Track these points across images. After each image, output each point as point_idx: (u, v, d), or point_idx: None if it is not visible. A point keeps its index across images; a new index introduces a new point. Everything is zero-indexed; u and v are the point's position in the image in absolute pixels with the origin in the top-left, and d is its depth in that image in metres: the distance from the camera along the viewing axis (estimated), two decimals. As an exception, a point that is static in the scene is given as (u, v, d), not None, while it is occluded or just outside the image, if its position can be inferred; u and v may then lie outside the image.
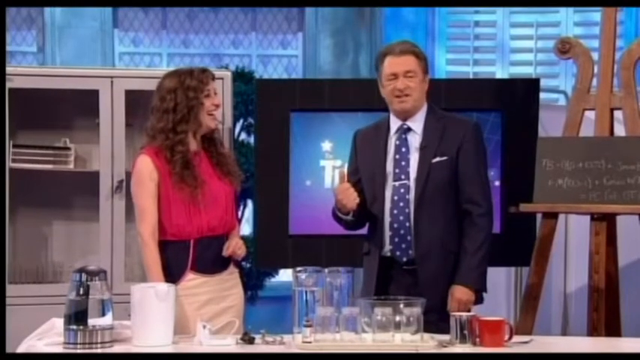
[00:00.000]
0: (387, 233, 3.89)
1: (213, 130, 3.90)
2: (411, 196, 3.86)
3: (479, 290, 3.85)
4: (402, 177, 3.88)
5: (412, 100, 3.87)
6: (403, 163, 3.89)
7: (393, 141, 3.93)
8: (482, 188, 3.89)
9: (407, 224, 3.85)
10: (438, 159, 3.86)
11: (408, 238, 3.85)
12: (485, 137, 4.15)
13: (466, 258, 3.81)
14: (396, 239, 3.87)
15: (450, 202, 3.86)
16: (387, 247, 3.89)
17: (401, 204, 3.87)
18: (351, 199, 3.83)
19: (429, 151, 3.87)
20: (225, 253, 3.83)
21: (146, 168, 3.77)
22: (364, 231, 4.03)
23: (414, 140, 3.91)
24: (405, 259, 3.86)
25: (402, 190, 3.88)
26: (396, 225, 3.87)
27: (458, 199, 3.87)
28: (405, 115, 3.91)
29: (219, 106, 3.92)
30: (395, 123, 3.94)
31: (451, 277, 3.82)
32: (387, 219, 3.89)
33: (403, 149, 3.91)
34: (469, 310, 3.66)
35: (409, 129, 3.91)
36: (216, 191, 3.84)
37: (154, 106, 3.83)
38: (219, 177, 3.89)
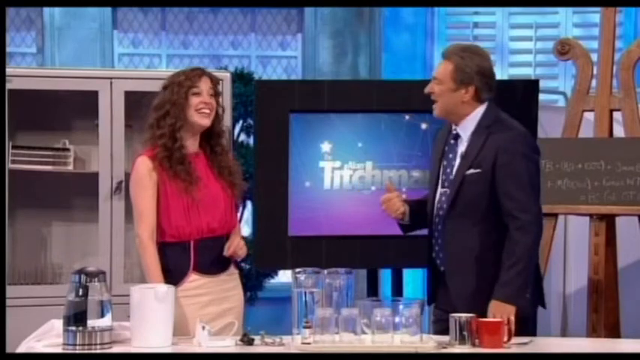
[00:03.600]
0: (431, 240, 3.83)
1: (207, 128, 3.86)
2: (446, 206, 3.76)
3: (516, 303, 3.63)
4: (446, 184, 3.78)
5: (437, 106, 3.77)
6: (448, 170, 3.80)
7: (446, 145, 3.84)
8: (517, 199, 3.68)
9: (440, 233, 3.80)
10: (471, 171, 3.71)
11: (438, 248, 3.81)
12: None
13: (501, 273, 3.64)
14: (436, 247, 3.81)
15: (486, 214, 3.71)
16: (433, 253, 3.83)
17: (441, 212, 3.78)
18: (394, 209, 3.81)
19: (465, 162, 3.74)
20: (227, 253, 3.83)
21: (145, 169, 3.77)
22: (362, 232, 4.01)
23: (462, 147, 3.79)
24: (442, 269, 3.79)
25: (444, 199, 3.77)
26: (436, 234, 3.80)
27: (499, 212, 3.71)
28: (448, 120, 3.83)
29: (209, 105, 3.80)
30: (453, 127, 3.84)
31: (489, 293, 3.66)
32: (431, 226, 3.82)
33: (450, 156, 3.81)
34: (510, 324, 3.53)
35: (458, 135, 3.80)
36: (216, 193, 3.84)
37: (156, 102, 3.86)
38: (217, 179, 3.88)
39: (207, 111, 3.80)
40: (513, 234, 3.65)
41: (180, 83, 3.80)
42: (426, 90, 3.78)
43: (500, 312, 3.57)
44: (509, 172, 3.68)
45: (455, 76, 3.74)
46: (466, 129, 3.77)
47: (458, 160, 3.77)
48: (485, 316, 3.50)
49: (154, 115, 3.81)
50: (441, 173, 3.81)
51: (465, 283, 3.70)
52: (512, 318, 3.55)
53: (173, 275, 3.73)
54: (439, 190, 3.80)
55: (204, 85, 3.82)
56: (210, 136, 3.88)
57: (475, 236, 3.71)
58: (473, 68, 3.74)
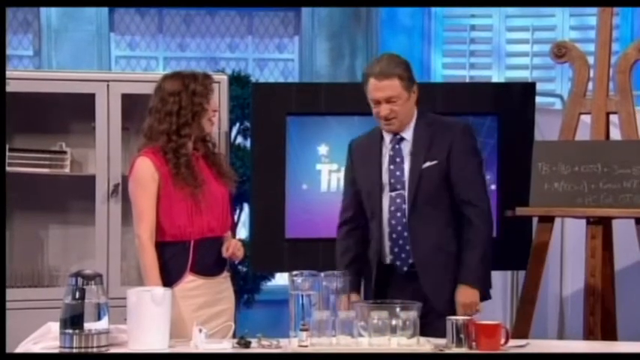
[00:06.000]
0: (387, 244, 3.90)
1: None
2: (407, 204, 3.86)
3: (481, 288, 3.84)
4: (398, 187, 3.89)
5: (398, 122, 3.88)
6: (398, 172, 3.89)
7: (387, 151, 3.93)
8: (474, 188, 3.88)
9: (405, 234, 3.85)
10: (428, 164, 3.85)
11: (407, 247, 3.85)
12: (481, 141, 4.14)
13: (463, 258, 3.81)
14: (396, 249, 3.88)
15: (445, 205, 3.86)
16: (388, 257, 3.90)
17: (398, 214, 3.87)
18: None
19: (418, 158, 3.87)
20: (226, 254, 3.84)
21: (148, 170, 3.77)
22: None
23: (407, 148, 3.91)
24: (405, 269, 3.87)
25: (399, 200, 3.88)
26: (394, 235, 3.87)
27: (454, 201, 3.87)
28: (399, 131, 3.92)
29: (216, 112, 3.94)
30: (388, 134, 3.94)
31: (455, 281, 3.82)
32: (386, 230, 3.89)
33: (397, 159, 3.91)
34: (478, 310, 3.71)
35: (402, 138, 3.92)
36: (215, 191, 3.86)
37: (154, 107, 3.83)
38: (216, 178, 3.90)
39: (214, 118, 3.86)
40: (474, 220, 3.83)
41: (200, 94, 3.81)
42: (387, 115, 3.82)
43: (469, 296, 3.77)
44: (464, 159, 3.87)
45: (405, 85, 3.85)
46: (409, 130, 3.90)
47: (408, 159, 3.87)
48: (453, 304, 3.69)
49: (174, 120, 3.79)
50: (388, 178, 3.89)
51: (437, 273, 3.82)
52: (478, 300, 3.77)
53: (170, 275, 3.74)
54: (387, 195, 3.89)
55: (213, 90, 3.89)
56: (203, 136, 3.91)
57: (440, 229, 3.85)
58: (406, 69, 3.88)
